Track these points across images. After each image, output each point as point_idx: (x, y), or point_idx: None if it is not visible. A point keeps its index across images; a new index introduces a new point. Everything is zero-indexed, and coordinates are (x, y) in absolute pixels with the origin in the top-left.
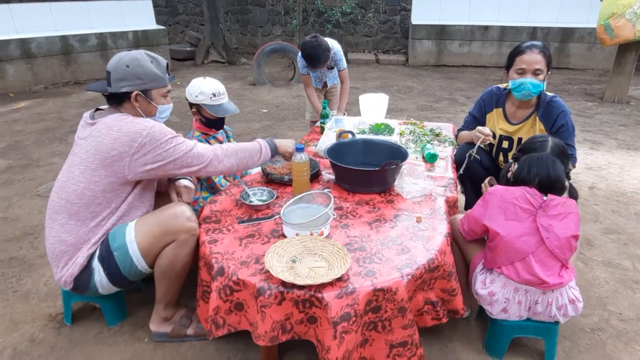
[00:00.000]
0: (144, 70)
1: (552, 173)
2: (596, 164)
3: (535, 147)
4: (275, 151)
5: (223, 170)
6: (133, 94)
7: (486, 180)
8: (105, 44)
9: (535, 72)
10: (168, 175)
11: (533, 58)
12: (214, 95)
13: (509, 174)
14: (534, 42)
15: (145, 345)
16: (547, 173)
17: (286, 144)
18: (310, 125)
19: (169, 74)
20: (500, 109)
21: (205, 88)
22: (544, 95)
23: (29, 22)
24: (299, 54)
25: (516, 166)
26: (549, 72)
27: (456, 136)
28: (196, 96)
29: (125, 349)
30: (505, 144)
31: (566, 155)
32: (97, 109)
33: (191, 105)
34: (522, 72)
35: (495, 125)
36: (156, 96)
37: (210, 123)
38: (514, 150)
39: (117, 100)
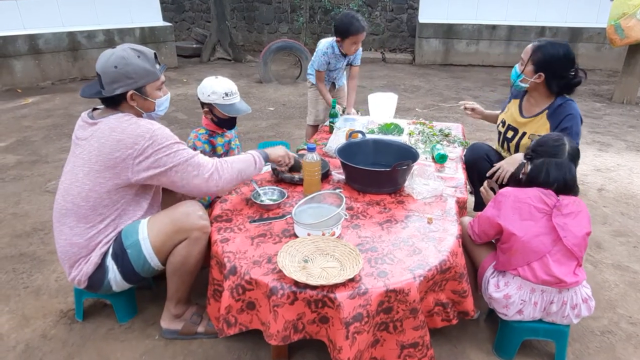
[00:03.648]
0: (133, 68)
1: (569, 179)
2: (605, 166)
3: (553, 153)
4: (267, 159)
5: (224, 186)
6: (128, 95)
7: (485, 184)
8: (113, 40)
9: (521, 60)
10: (172, 187)
11: (526, 47)
12: (227, 94)
13: (522, 175)
14: (541, 39)
15: (156, 342)
16: (564, 179)
17: (276, 151)
18: (310, 129)
19: (159, 64)
20: (518, 100)
21: (218, 87)
22: (561, 98)
23: (36, 18)
24: (323, 45)
25: (529, 167)
26: (539, 74)
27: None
28: (208, 95)
29: (137, 345)
30: (509, 134)
31: (578, 157)
32: (95, 108)
33: (203, 104)
34: None
35: (508, 113)
36: (151, 91)
37: (222, 122)
38: (515, 142)
39: (114, 102)
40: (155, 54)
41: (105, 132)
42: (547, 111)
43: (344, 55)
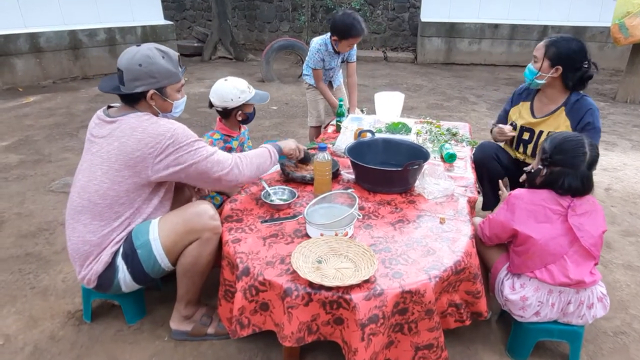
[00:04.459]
0: (157, 68)
1: (587, 187)
2: (611, 165)
3: (571, 164)
4: (280, 152)
5: (243, 181)
6: (149, 94)
7: (504, 180)
8: (114, 39)
9: (534, 59)
10: (191, 182)
11: (536, 46)
12: (249, 87)
13: (538, 180)
14: (551, 35)
15: (166, 344)
16: (582, 187)
17: (288, 144)
18: (313, 130)
19: (180, 67)
20: (528, 103)
21: (240, 85)
22: (576, 94)
23: (37, 16)
24: (316, 43)
25: (545, 171)
26: (557, 68)
27: (491, 131)
28: (239, 97)
29: (146, 347)
30: (525, 136)
31: (597, 160)
32: (109, 106)
33: (232, 109)
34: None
35: (519, 116)
36: (171, 92)
37: (250, 116)
38: (533, 143)
39: (132, 100)
40: (178, 56)
41: (126, 132)
42: (564, 107)
43: (338, 53)
